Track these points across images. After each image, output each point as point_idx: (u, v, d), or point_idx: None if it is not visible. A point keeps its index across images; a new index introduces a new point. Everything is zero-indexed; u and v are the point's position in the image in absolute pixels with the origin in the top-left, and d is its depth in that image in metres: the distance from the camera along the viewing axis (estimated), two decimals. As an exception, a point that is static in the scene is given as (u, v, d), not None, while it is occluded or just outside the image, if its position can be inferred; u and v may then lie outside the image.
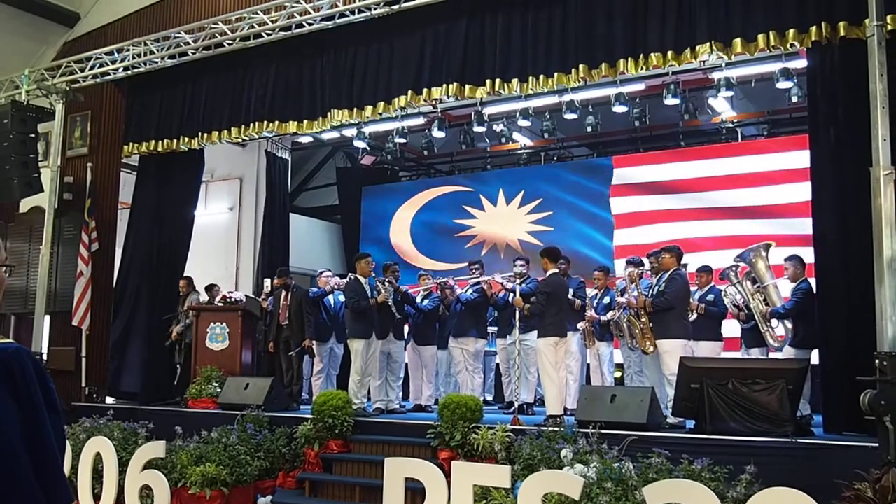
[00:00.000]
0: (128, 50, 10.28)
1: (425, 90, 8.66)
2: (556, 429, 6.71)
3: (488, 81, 8.29)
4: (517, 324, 8.22)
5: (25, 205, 12.19)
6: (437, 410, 7.48)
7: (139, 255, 11.18)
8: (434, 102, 9.21)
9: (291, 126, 9.71)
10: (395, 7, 8.43)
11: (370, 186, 14.87)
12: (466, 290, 9.50)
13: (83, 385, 10.63)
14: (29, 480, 1.69)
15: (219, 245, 13.18)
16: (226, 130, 10.16)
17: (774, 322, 8.03)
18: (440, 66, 8.63)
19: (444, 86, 8.52)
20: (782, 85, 9.76)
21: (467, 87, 8.44)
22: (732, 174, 11.25)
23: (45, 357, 10.56)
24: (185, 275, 10.81)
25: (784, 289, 8.19)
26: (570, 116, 10.97)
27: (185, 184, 11.42)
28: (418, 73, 8.77)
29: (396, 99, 8.86)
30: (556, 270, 8.10)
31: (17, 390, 1.74)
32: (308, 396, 9.95)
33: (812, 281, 7.32)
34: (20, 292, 11.96)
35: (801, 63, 8.74)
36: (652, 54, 7.53)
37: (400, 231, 14.17)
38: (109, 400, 10.50)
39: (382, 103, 8.96)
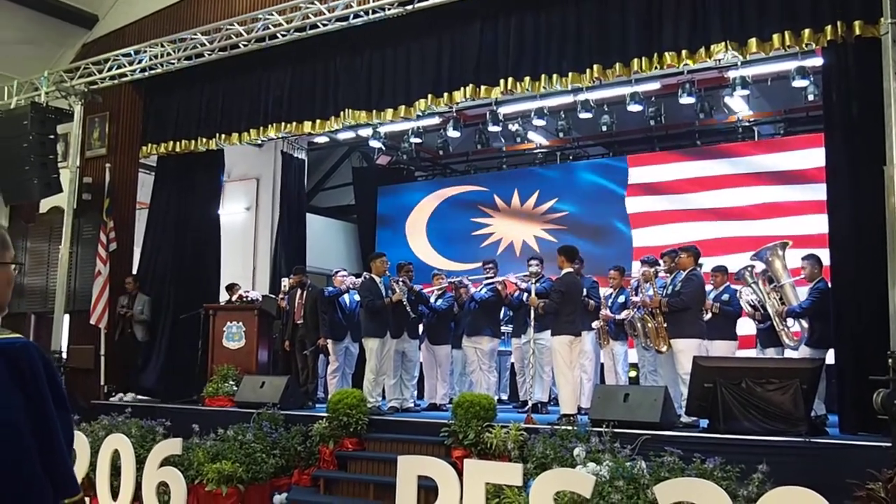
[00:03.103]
0: (145, 51, 10.40)
1: (446, 94, 8.72)
2: (570, 427, 6.73)
3: (502, 81, 8.32)
4: (532, 323, 8.23)
5: (45, 205, 12.35)
6: (451, 409, 7.51)
7: (158, 255, 11.32)
8: (453, 105, 9.26)
9: (308, 127, 9.77)
10: (409, 7, 8.47)
11: (386, 186, 14.92)
12: (480, 289, 9.52)
13: (102, 383, 10.74)
14: (37, 473, 1.73)
15: (236, 245, 13.26)
16: (244, 132, 10.26)
17: (790, 321, 8.00)
18: (457, 68, 8.69)
19: (462, 88, 8.57)
20: (798, 83, 9.66)
21: (483, 87, 8.48)
22: (749, 173, 11.21)
23: (64, 355, 10.69)
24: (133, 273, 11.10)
25: (801, 288, 8.14)
26: (584, 116, 10.94)
27: (206, 184, 11.55)
28: (437, 76, 8.83)
29: (417, 102, 8.93)
30: (572, 269, 8.11)
31: (25, 385, 1.78)
32: (323, 395, 10.00)
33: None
34: (40, 291, 12.11)
35: (818, 61, 8.67)
36: (666, 53, 7.54)
37: (415, 230, 14.21)
38: (129, 397, 10.58)
39: (403, 106, 9.03)
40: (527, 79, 8.18)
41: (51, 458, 1.76)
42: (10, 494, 1.71)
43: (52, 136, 10.54)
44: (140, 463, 7.11)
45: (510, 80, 8.26)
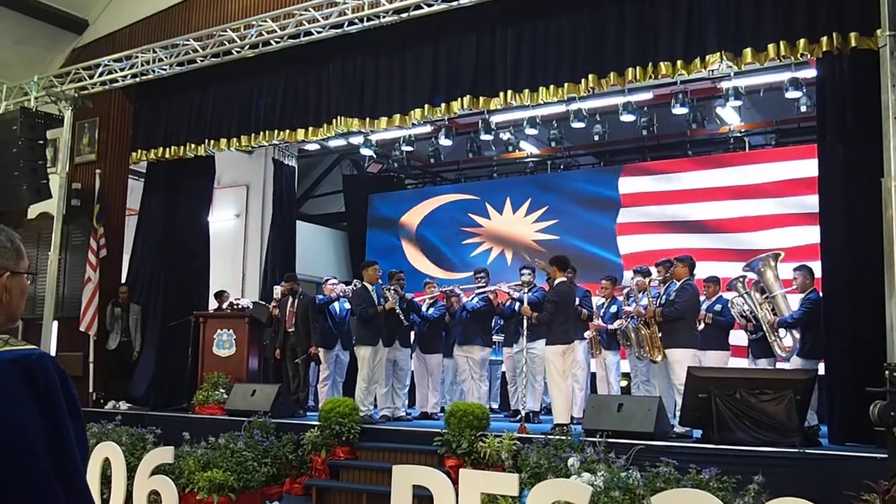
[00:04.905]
0: (136, 57, 10.32)
1: (443, 104, 8.69)
2: (563, 437, 6.71)
3: (501, 93, 8.32)
4: (524, 332, 8.22)
5: (34, 211, 12.21)
6: (444, 418, 7.48)
7: (147, 262, 11.24)
8: (450, 115, 9.25)
9: (300, 134, 9.73)
10: (405, 15, 8.45)
11: (376, 194, 14.90)
12: (472, 299, 9.50)
13: (90, 390, 10.64)
14: (53, 489, 1.69)
15: (225, 251, 13.20)
16: (234, 138, 10.20)
17: (782, 332, 8.02)
18: (455, 78, 8.67)
19: (459, 99, 8.55)
20: (791, 94, 9.73)
21: (481, 98, 8.49)
22: (740, 184, 11.25)
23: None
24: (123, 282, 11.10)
25: (792, 299, 8.17)
26: (577, 125, 10.95)
27: (196, 190, 11.49)
28: (433, 86, 8.79)
29: (413, 111, 8.89)
30: (564, 279, 8.10)
31: (40, 398, 1.73)
32: (314, 403, 9.95)
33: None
34: (28, 297, 11.85)
35: (810, 73, 8.73)
36: (661, 63, 7.54)
37: (406, 239, 14.19)
38: (123, 405, 10.47)
39: (398, 115, 8.99)
40: (526, 91, 8.17)
41: (65, 473, 1.72)
42: None
43: (41, 142, 10.43)
44: (131, 471, 7.03)
45: (509, 92, 8.25)
